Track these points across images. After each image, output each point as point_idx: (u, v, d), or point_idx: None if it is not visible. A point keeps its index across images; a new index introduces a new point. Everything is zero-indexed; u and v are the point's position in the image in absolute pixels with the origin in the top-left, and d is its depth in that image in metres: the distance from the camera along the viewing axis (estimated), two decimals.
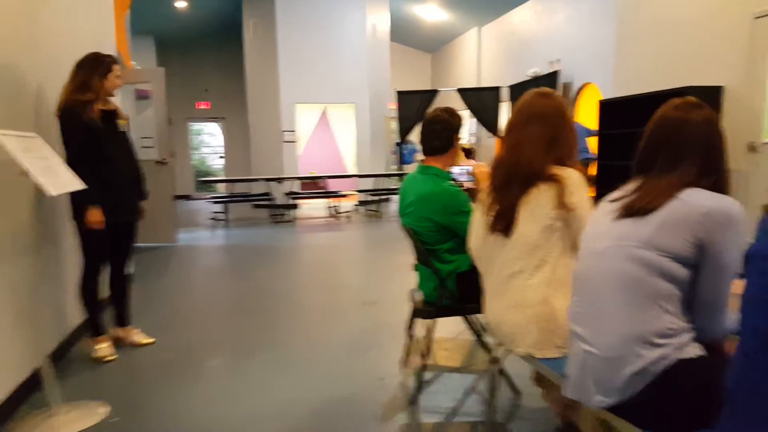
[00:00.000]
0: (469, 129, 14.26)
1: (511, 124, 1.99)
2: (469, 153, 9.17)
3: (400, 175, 11.26)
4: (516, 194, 1.89)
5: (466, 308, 2.59)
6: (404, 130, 11.52)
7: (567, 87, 9.82)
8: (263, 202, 9.80)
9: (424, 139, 2.67)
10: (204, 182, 12.05)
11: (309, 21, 11.30)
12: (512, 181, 1.91)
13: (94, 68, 3.00)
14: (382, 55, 12.70)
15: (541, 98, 1.97)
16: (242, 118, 13.07)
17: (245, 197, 10.38)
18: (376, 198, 10.12)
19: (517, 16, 11.85)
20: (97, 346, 3.18)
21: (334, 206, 9.95)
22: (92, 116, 2.97)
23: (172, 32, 13.67)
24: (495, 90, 11.44)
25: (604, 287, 1.46)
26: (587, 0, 9.27)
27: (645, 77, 6.39)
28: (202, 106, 15.17)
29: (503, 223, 1.93)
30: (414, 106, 11.40)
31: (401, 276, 5.15)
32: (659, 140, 1.48)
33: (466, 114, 12.56)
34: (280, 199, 9.83)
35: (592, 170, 7.39)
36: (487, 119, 11.50)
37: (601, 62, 8.56)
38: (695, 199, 1.35)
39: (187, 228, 8.84)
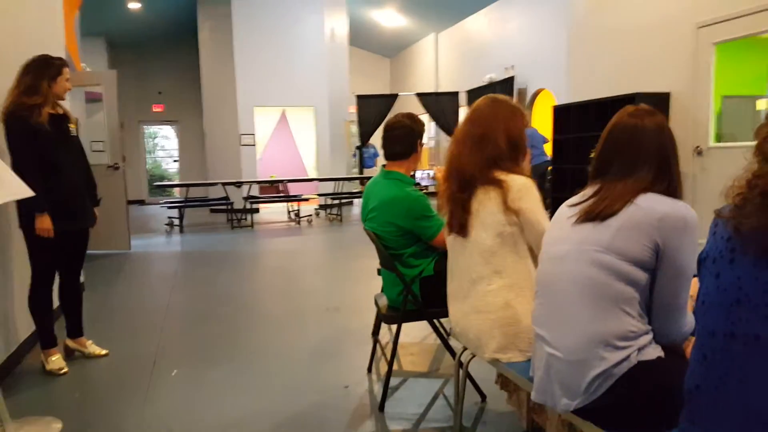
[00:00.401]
0: (428, 132, 14.40)
1: (460, 130, 2.04)
2: None
3: (362, 179, 11.26)
4: (467, 196, 1.92)
5: (431, 312, 2.59)
6: (364, 134, 11.54)
7: (522, 93, 10.05)
8: (221, 206, 9.61)
9: (386, 144, 2.68)
10: (159, 186, 11.72)
11: (266, 24, 11.17)
12: (463, 184, 1.94)
13: (42, 71, 2.87)
14: (341, 59, 12.68)
15: (492, 103, 2.01)
16: (198, 121, 12.81)
17: (202, 202, 10.16)
18: (336, 202, 10.07)
19: (472, 23, 12.06)
20: (48, 359, 3.03)
21: (295, 210, 9.84)
22: (40, 120, 2.84)
23: (124, 34, 13.28)
24: (453, 95, 11.60)
25: (567, 291, 1.48)
26: (540, 9, 9.52)
27: (596, 84, 6.60)
28: (156, 109, 14.78)
29: (456, 223, 1.97)
30: (374, 110, 11.44)
31: (364, 281, 5.14)
32: (615, 146, 1.52)
33: (425, 118, 12.68)
34: (238, 204, 9.66)
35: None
36: (446, 123, 11.65)
37: (555, 69, 8.80)
38: (651, 205, 1.39)
39: (141, 234, 8.57)
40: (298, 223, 9.61)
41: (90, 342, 3.32)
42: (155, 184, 11.97)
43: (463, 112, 11.76)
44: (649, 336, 1.42)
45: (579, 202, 1.54)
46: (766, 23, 4.62)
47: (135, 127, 14.54)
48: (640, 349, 1.39)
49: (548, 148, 7.94)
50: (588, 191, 1.54)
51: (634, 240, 1.37)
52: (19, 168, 2.72)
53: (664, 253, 1.36)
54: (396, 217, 2.54)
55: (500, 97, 2.07)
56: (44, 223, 2.84)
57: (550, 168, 7.56)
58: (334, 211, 10.16)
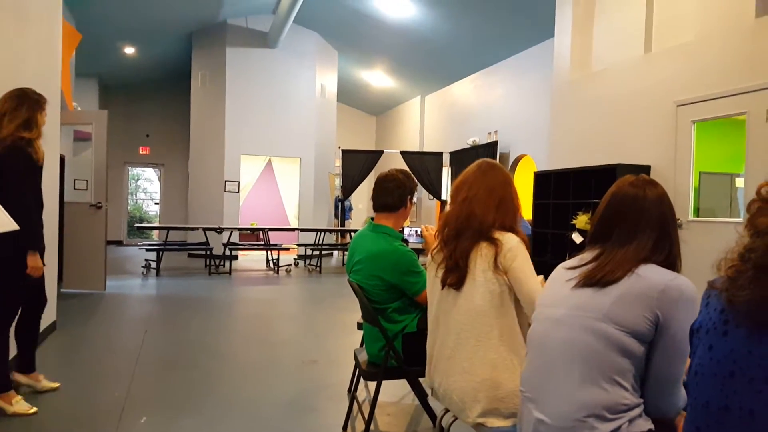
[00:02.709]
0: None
1: (462, 182, 2.04)
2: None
3: (343, 231, 11.28)
4: (467, 246, 1.91)
5: (412, 371, 2.56)
6: (348, 188, 11.64)
7: (504, 157, 10.32)
8: (199, 251, 9.49)
9: (377, 195, 2.70)
10: (139, 228, 11.57)
11: (259, 76, 11.44)
12: (463, 234, 1.94)
13: (35, 105, 2.89)
14: (329, 114, 12.97)
15: (489, 165, 2.07)
16: (182, 165, 12.84)
17: (181, 246, 10.02)
18: (316, 253, 10.03)
19: (458, 88, 12.49)
20: (12, 402, 2.88)
21: (274, 259, 9.75)
22: (38, 156, 2.84)
23: (117, 76, 13.46)
24: (437, 155, 11.85)
25: (560, 356, 1.46)
26: (524, 78, 9.93)
27: (577, 153, 6.83)
28: (143, 151, 14.80)
29: (455, 276, 1.92)
30: (358, 164, 11.60)
31: (343, 334, 5.06)
32: (616, 213, 1.54)
33: None
34: (217, 250, 9.56)
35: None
36: (429, 182, 11.83)
37: (536, 136, 9.10)
38: (652, 276, 1.40)
39: (117, 275, 8.38)
40: (277, 272, 9.51)
41: (42, 376, 3.20)
42: (136, 225, 11.80)
43: (446, 172, 11.99)
44: (641, 408, 1.40)
45: (577, 265, 1.54)
46: (741, 106, 4.89)
47: (120, 168, 14.49)
48: (630, 421, 1.36)
49: (527, 214, 8.09)
50: (587, 255, 1.54)
51: (633, 311, 1.37)
52: (23, 202, 2.70)
53: (663, 326, 1.36)
54: (382, 270, 2.55)
55: (499, 164, 2.14)
56: (38, 262, 2.79)
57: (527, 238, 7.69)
58: (314, 262, 10.10)
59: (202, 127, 11.72)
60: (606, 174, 5.92)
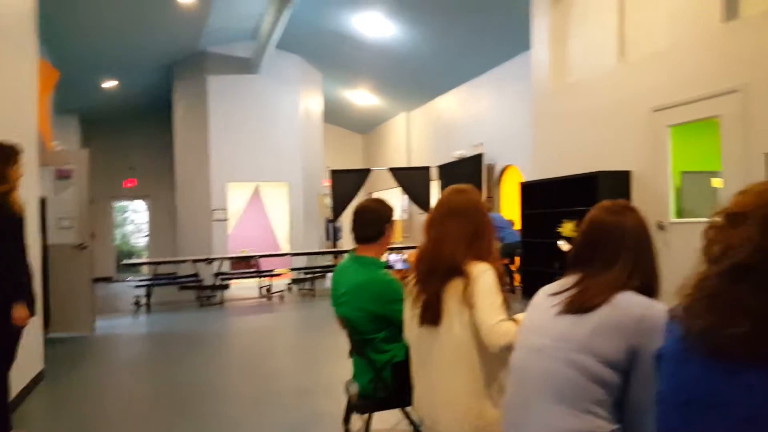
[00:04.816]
0: (401, 205, 14.63)
1: (432, 219, 2.06)
2: None
3: (335, 253, 11.24)
4: (438, 285, 1.93)
5: (403, 400, 2.53)
6: (338, 208, 11.63)
7: (490, 168, 10.37)
8: (190, 283, 9.40)
9: (356, 228, 2.69)
10: (126, 265, 11.46)
11: (241, 103, 11.46)
12: (434, 273, 1.96)
13: (7, 159, 2.88)
14: (315, 135, 13.00)
15: (459, 194, 2.07)
16: (169, 197, 12.77)
17: (170, 280, 9.93)
18: (309, 276, 9.98)
19: (442, 101, 12.59)
20: None
21: (266, 286, 9.68)
22: (15, 208, 2.82)
23: (98, 110, 13.42)
24: (425, 169, 11.89)
25: (539, 386, 1.48)
26: (506, 90, 10.02)
27: (560, 162, 6.87)
28: (128, 184, 14.73)
29: (430, 313, 1.95)
30: (347, 183, 11.60)
31: (337, 360, 4.99)
32: (595, 240, 1.57)
33: (398, 192, 12.90)
34: (208, 280, 9.48)
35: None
36: (418, 196, 11.86)
37: (521, 147, 9.15)
38: (628, 305, 1.42)
39: (106, 314, 8.27)
40: (270, 299, 9.44)
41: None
42: (123, 262, 11.68)
43: (434, 187, 12.03)
44: None
45: (559, 291, 1.56)
46: (714, 109, 4.95)
47: (105, 203, 14.41)
48: None
49: (518, 224, 8.12)
50: (568, 281, 1.57)
51: (610, 341, 1.40)
52: (10, 255, 2.68)
53: (639, 355, 1.38)
54: (367, 302, 2.53)
55: (470, 187, 2.14)
56: (24, 312, 2.77)
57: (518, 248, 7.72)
58: (307, 285, 10.04)
59: (186, 157, 11.70)
60: (588, 182, 5.97)
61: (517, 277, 8.27)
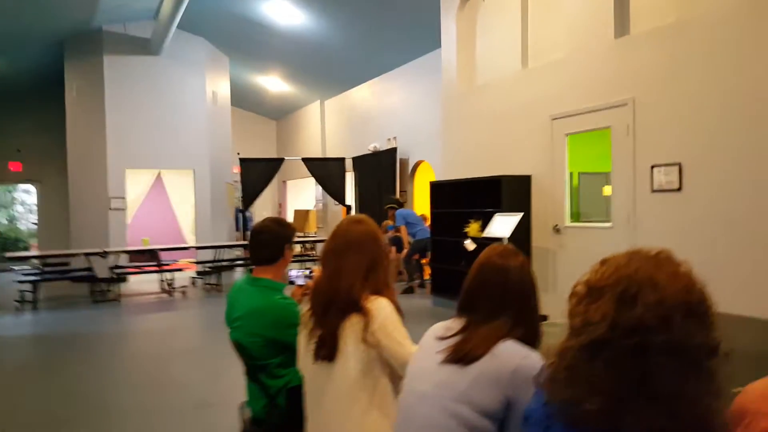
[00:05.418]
0: (315, 196, 14.45)
1: (329, 251, 2.01)
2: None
3: (245, 247, 10.88)
4: (335, 321, 1.90)
5: (297, 426, 2.47)
6: (249, 197, 11.27)
7: (404, 163, 10.47)
8: (84, 275, 8.70)
9: (253, 249, 2.59)
10: (10, 259, 10.45)
11: (142, 84, 10.75)
12: (331, 309, 1.92)
13: None
14: (223, 121, 12.49)
15: (356, 225, 2.03)
16: (62, 182, 11.78)
17: (61, 274, 9.19)
18: (218, 267, 9.59)
19: (357, 93, 12.51)
20: None
21: (168, 280, 9.18)
22: None
23: None
24: (340, 161, 11.79)
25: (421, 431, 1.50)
26: (418, 86, 10.12)
27: (468, 163, 7.05)
28: (14, 168, 13.45)
29: (326, 350, 1.91)
30: (259, 173, 11.27)
31: (240, 367, 4.85)
32: (482, 285, 1.60)
33: (312, 181, 12.72)
34: (103, 273, 8.83)
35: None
36: (332, 188, 11.77)
37: (433, 143, 9.29)
38: (507, 356, 1.46)
39: None
40: (171, 294, 8.98)
41: None
42: (6, 255, 10.59)
43: (350, 178, 11.97)
44: None
45: (444, 336, 1.58)
46: (606, 121, 5.26)
47: None
48: None
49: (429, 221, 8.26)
50: (455, 325, 1.59)
51: (488, 392, 1.43)
52: None
53: (513, 405, 1.42)
54: (263, 328, 2.44)
55: (365, 217, 2.11)
56: None
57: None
58: (213, 279, 9.65)
59: (80, 141, 10.83)
60: (492, 185, 6.16)
61: (427, 270, 8.46)
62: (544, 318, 1.70)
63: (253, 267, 2.60)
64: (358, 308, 1.88)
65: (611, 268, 1.01)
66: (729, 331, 1.00)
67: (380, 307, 1.88)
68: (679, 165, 4.55)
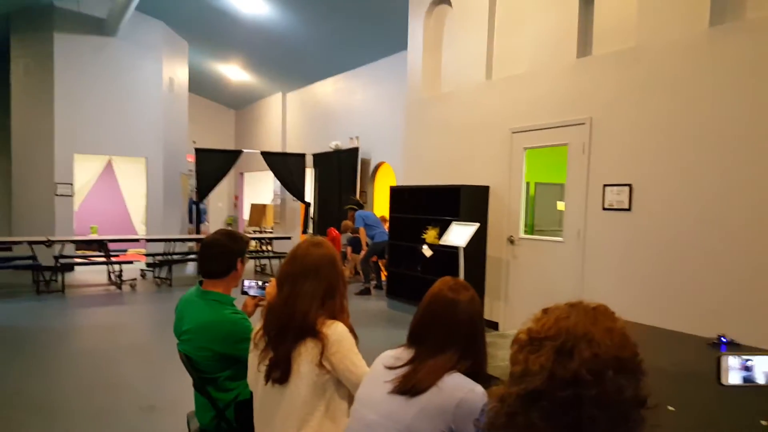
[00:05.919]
0: (273, 190, 14.24)
1: (286, 274, 1.99)
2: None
3: (197, 240, 10.63)
4: (289, 345, 1.89)
5: None
6: (203, 188, 11.00)
7: (365, 163, 10.44)
8: (27, 263, 8.33)
9: (203, 262, 2.54)
10: None
11: (95, 66, 10.33)
12: (286, 332, 1.90)
13: None
14: (179, 108, 12.15)
15: (315, 248, 2.02)
16: (4, 164, 11.20)
17: (4, 259, 8.76)
18: (170, 260, 9.33)
19: (320, 88, 12.38)
20: None
21: (117, 272, 8.88)
22: None
23: None
24: (300, 156, 11.66)
25: None
26: (382, 87, 10.10)
27: (429, 170, 7.10)
28: None
29: (278, 372, 1.90)
30: (215, 164, 11.01)
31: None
32: (432, 316, 1.63)
33: (270, 175, 12.51)
34: (48, 262, 8.47)
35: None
36: (291, 184, 11.62)
37: (395, 145, 9.31)
38: (451, 389, 1.48)
39: None
40: (120, 287, 8.69)
41: None
42: None
43: (309, 174, 11.84)
44: None
45: (393, 366, 1.61)
46: (563, 138, 5.39)
47: None
48: None
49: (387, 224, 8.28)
50: (404, 356, 1.62)
51: (431, 424, 1.46)
52: None
53: None
54: (212, 342, 2.39)
55: (324, 240, 2.10)
56: None
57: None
58: (163, 273, 9.39)
59: (25, 122, 10.32)
60: (451, 193, 6.23)
61: (384, 273, 8.49)
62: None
63: (203, 280, 2.55)
64: (314, 333, 1.87)
65: (551, 320, 1.04)
66: (668, 347, 1.02)
67: (336, 332, 1.88)
68: (630, 186, 4.71)
